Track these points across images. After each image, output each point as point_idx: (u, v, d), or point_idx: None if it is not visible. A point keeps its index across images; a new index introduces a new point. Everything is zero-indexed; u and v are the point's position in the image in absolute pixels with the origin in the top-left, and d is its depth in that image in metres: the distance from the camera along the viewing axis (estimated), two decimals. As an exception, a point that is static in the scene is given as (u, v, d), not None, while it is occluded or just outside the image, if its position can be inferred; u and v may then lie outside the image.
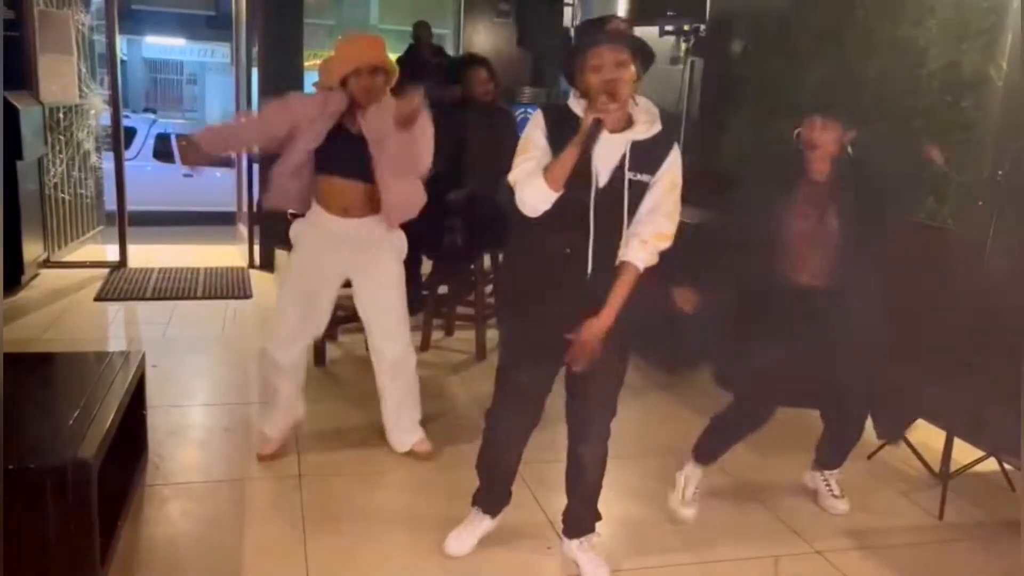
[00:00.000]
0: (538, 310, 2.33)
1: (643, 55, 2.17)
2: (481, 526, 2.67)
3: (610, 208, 2.22)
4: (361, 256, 2.99)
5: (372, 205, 2.93)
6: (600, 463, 2.52)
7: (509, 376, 2.45)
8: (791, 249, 2.74)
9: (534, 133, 2.25)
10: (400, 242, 3.06)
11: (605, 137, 2.16)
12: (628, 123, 2.23)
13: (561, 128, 2.19)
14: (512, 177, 2.24)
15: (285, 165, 2.91)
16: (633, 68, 2.14)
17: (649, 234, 2.24)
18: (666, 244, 2.27)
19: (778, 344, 2.73)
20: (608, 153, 2.20)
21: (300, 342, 3.09)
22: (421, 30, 7.07)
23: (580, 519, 2.59)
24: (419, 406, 3.29)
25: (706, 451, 2.97)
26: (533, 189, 2.17)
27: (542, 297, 2.32)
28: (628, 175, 2.21)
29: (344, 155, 2.87)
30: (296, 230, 3.04)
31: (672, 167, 2.26)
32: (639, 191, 2.24)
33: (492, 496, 2.68)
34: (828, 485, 3.07)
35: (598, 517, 2.61)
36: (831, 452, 3.06)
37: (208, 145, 2.87)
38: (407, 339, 3.13)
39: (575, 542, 2.59)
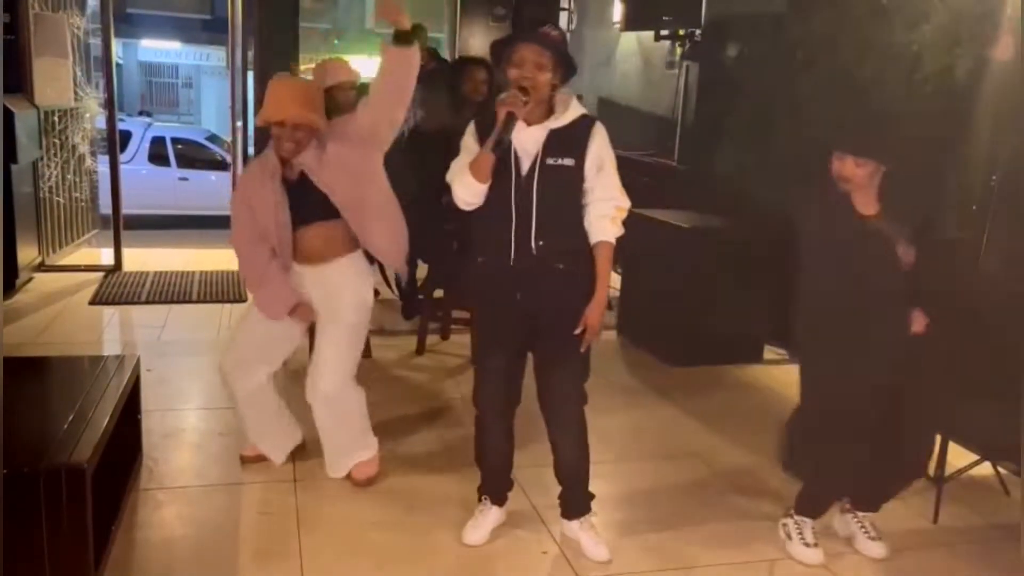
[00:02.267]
0: (487, 296, 2.57)
1: (565, 65, 2.39)
2: (491, 516, 2.75)
3: (530, 194, 2.41)
4: (322, 302, 2.91)
5: (332, 248, 2.86)
6: (581, 446, 2.63)
7: (479, 360, 2.67)
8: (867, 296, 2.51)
9: (467, 139, 2.51)
10: (364, 290, 2.95)
11: (524, 129, 2.38)
12: (548, 115, 2.43)
13: (488, 129, 2.41)
14: (447, 177, 2.49)
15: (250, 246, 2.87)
16: (550, 74, 2.35)
17: (610, 210, 2.46)
18: (625, 214, 2.48)
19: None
20: (528, 144, 2.40)
21: (255, 372, 3.00)
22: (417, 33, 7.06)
23: (575, 501, 2.71)
24: (362, 435, 3.08)
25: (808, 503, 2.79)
26: (462, 184, 2.42)
27: (489, 284, 2.55)
28: (548, 161, 2.39)
29: (302, 203, 2.80)
30: None
31: (597, 142, 2.44)
32: (563, 175, 2.41)
33: (494, 484, 2.76)
34: (864, 527, 2.82)
35: (592, 497, 2.72)
36: (879, 489, 2.83)
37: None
38: (343, 379, 2.92)
39: (575, 523, 2.71)
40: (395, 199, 2.98)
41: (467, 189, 2.42)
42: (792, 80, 4.52)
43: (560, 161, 2.40)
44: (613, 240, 2.47)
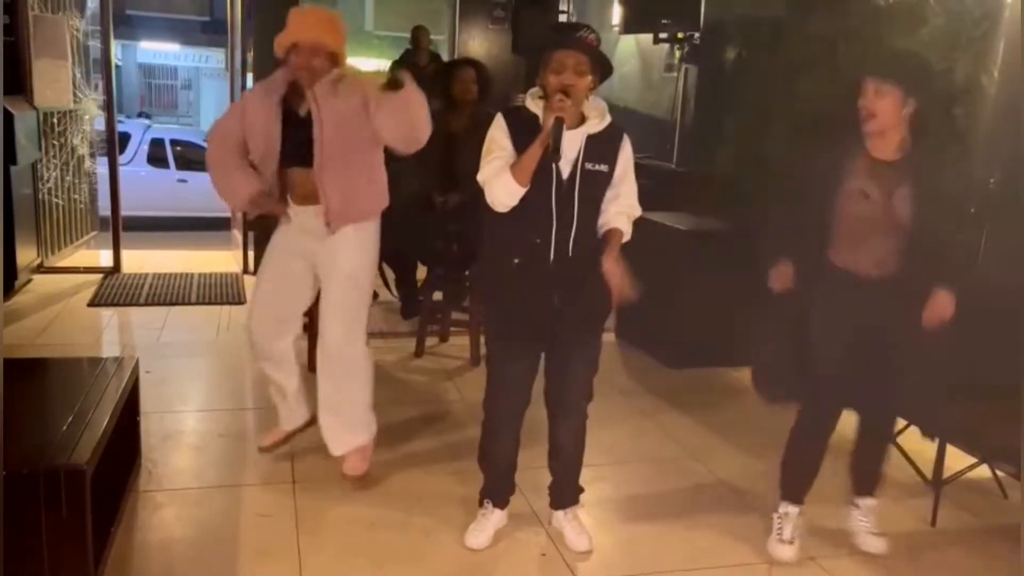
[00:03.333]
0: (514, 299, 2.52)
1: (603, 67, 2.40)
2: (493, 519, 2.76)
3: (571, 198, 2.41)
4: (321, 249, 2.88)
5: None
6: (580, 439, 2.69)
7: (498, 365, 2.62)
8: (845, 234, 2.56)
9: (497, 134, 2.45)
10: (368, 232, 2.91)
11: (564, 133, 2.33)
12: (582, 120, 2.44)
13: (521, 128, 2.40)
14: (481, 177, 2.43)
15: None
16: (591, 77, 2.36)
17: (628, 207, 2.51)
18: (637, 214, 2.55)
19: (835, 339, 2.62)
20: (567, 148, 2.37)
21: (280, 333, 3.02)
22: (419, 33, 7.08)
23: (564, 492, 2.77)
24: (365, 411, 3.04)
25: (791, 486, 2.82)
26: (502, 186, 2.37)
27: (516, 287, 2.50)
28: (587, 166, 2.41)
29: (295, 141, 2.76)
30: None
31: (626, 152, 2.50)
32: (598, 180, 2.45)
33: (497, 487, 2.77)
34: (865, 522, 2.85)
35: (581, 490, 2.79)
36: (865, 470, 2.87)
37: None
38: (351, 334, 2.90)
39: (560, 513, 2.78)
40: (382, 168, 2.96)
41: (507, 191, 2.36)
42: (791, 83, 4.53)
43: (597, 166, 2.43)
44: (627, 233, 2.51)
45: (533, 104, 2.43)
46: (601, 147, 2.43)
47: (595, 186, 2.45)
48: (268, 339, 3.03)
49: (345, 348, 2.92)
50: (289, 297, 3.01)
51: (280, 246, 2.99)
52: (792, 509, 2.78)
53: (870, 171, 2.51)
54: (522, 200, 2.37)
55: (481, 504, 2.77)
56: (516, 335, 2.55)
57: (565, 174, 2.40)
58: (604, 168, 2.44)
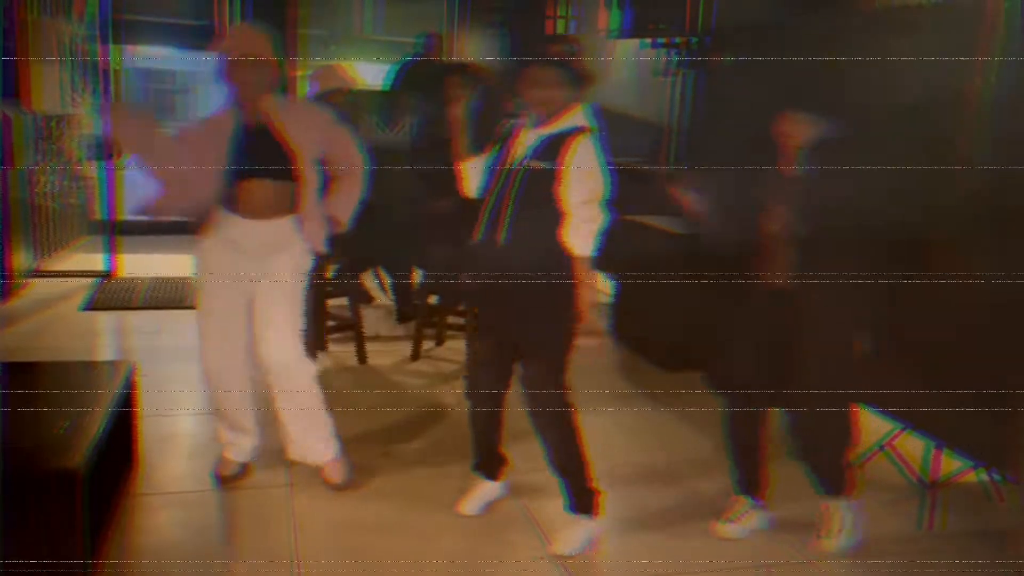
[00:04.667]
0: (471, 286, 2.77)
1: (578, 79, 2.57)
2: (485, 490, 2.92)
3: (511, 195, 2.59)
4: (258, 261, 2.85)
5: (276, 206, 2.82)
6: (562, 440, 2.68)
7: (471, 344, 2.87)
8: (762, 249, 2.71)
9: None
10: (302, 253, 2.92)
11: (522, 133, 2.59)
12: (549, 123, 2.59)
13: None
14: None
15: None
16: (561, 90, 2.53)
17: (579, 219, 2.54)
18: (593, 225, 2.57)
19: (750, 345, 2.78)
20: (518, 147, 2.60)
21: (231, 357, 2.95)
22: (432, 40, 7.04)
23: (571, 496, 2.75)
24: (324, 425, 3.03)
25: (742, 481, 2.92)
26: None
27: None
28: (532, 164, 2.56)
29: (243, 151, 2.77)
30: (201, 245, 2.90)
31: (577, 150, 2.52)
32: (543, 177, 2.54)
33: (484, 459, 2.92)
34: (826, 521, 2.85)
35: (589, 502, 2.74)
36: (825, 468, 2.86)
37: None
38: (293, 344, 2.88)
39: (572, 515, 2.76)
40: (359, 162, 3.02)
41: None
42: (787, 87, 4.53)
43: (543, 164, 2.56)
44: (581, 248, 2.59)
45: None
46: (553, 146, 2.53)
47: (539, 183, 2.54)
48: (225, 370, 2.95)
49: (294, 364, 2.90)
50: (235, 324, 2.94)
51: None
52: (743, 497, 2.90)
53: (778, 190, 2.67)
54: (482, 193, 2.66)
55: (473, 471, 2.94)
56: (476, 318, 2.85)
57: (512, 170, 2.58)
58: (549, 166, 2.53)
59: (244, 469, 3.10)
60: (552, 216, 2.53)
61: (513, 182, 2.56)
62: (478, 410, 2.85)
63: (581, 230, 2.52)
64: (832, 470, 2.82)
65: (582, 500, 2.73)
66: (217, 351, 2.92)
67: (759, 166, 2.75)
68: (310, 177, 2.84)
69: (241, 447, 3.09)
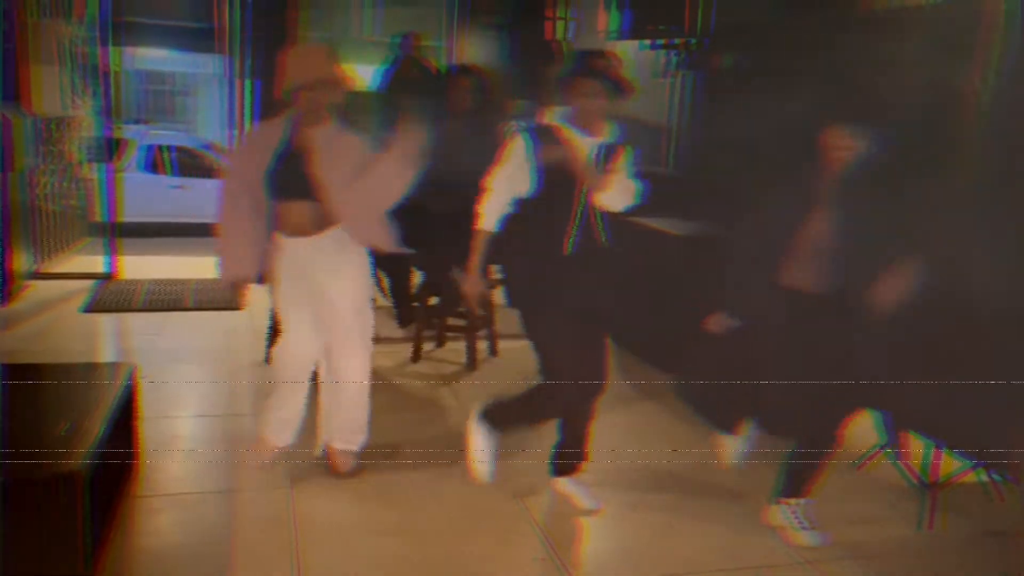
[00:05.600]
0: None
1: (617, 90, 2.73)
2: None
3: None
4: (320, 276, 2.95)
5: (320, 221, 2.87)
6: (543, 402, 2.83)
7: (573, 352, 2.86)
8: (795, 253, 2.79)
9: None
10: (361, 260, 3.00)
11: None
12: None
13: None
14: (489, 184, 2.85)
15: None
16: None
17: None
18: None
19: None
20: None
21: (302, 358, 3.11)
22: (409, 40, 7.05)
23: (566, 458, 2.99)
24: (363, 415, 3.17)
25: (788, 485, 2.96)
26: None
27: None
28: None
29: (285, 172, 2.85)
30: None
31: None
32: None
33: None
34: (796, 518, 2.89)
35: (584, 457, 3.00)
36: (797, 477, 2.90)
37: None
38: (367, 356, 3.10)
39: (565, 479, 3.01)
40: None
41: None
42: (788, 89, 4.54)
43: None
44: None
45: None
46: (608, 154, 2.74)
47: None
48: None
49: (365, 374, 3.09)
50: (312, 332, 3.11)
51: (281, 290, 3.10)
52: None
53: (820, 195, 2.77)
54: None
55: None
56: None
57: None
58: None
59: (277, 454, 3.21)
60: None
61: (581, 188, 2.70)
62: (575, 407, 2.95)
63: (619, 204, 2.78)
64: (807, 477, 2.87)
65: (570, 465, 2.99)
66: (289, 353, 3.08)
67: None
68: (342, 198, 2.82)
69: (285, 430, 3.19)
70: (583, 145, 2.71)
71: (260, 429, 3.23)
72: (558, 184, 2.70)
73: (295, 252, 2.93)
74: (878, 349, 2.82)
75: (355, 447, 3.17)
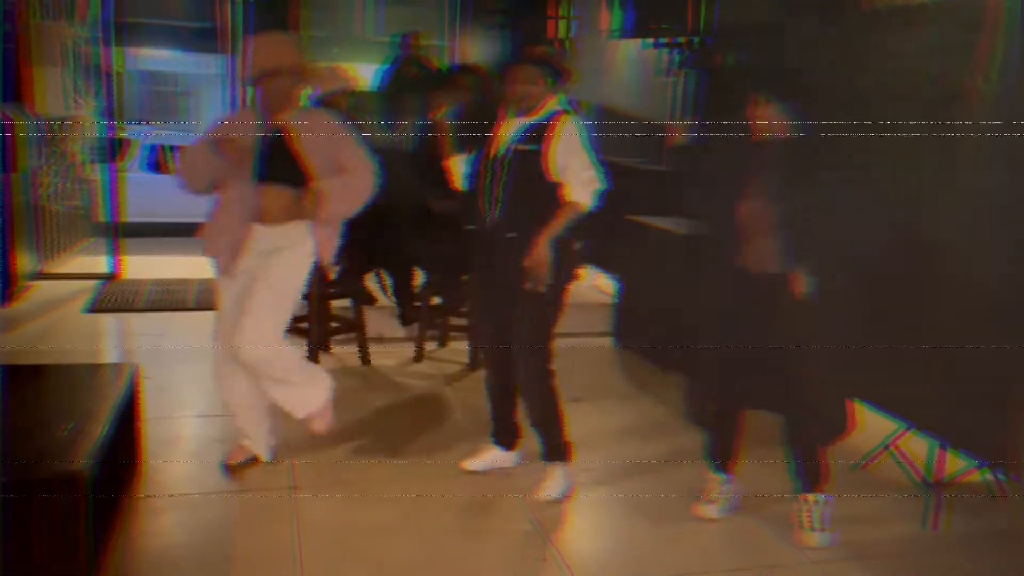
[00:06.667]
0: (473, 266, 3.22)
1: (555, 73, 2.87)
2: (495, 455, 3.20)
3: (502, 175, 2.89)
4: (258, 262, 2.91)
5: (286, 212, 2.88)
6: (543, 398, 2.96)
7: (478, 320, 3.30)
8: (739, 232, 2.75)
9: None
10: (304, 256, 2.96)
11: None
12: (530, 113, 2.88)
13: None
14: None
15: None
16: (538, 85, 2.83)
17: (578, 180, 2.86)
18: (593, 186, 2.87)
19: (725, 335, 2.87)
20: (504, 133, 2.91)
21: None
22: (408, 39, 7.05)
23: (546, 447, 3.03)
24: (310, 378, 3.06)
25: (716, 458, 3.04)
26: None
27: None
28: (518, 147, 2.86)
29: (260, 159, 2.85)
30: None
31: (563, 133, 2.82)
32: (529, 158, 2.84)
33: (499, 428, 3.20)
34: (802, 518, 2.85)
35: (564, 452, 3.03)
36: (795, 468, 2.87)
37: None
38: (264, 342, 2.87)
39: (548, 463, 3.04)
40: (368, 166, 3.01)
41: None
42: (789, 88, 4.53)
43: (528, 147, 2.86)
44: (582, 201, 2.85)
45: None
46: (538, 132, 2.82)
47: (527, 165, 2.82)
48: (229, 374, 3.06)
49: (265, 359, 2.89)
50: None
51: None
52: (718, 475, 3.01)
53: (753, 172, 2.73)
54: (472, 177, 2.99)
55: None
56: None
57: (500, 154, 2.87)
58: (535, 147, 2.81)
59: (254, 459, 3.17)
60: (542, 193, 2.82)
61: (502, 167, 2.85)
62: (489, 384, 3.13)
63: (581, 190, 2.82)
64: (811, 462, 2.85)
65: (556, 450, 3.01)
66: (223, 351, 2.98)
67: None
68: (323, 186, 2.85)
69: (258, 444, 3.16)
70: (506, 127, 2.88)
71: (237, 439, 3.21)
72: (482, 162, 2.94)
73: (256, 240, 2.91)
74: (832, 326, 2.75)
75: (318, 406, 3.06)
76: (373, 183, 2.97)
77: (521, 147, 2.84)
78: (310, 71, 2.88)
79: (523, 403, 3.04)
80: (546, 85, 2.84)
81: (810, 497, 2.87)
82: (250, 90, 2.89)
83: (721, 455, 3.00)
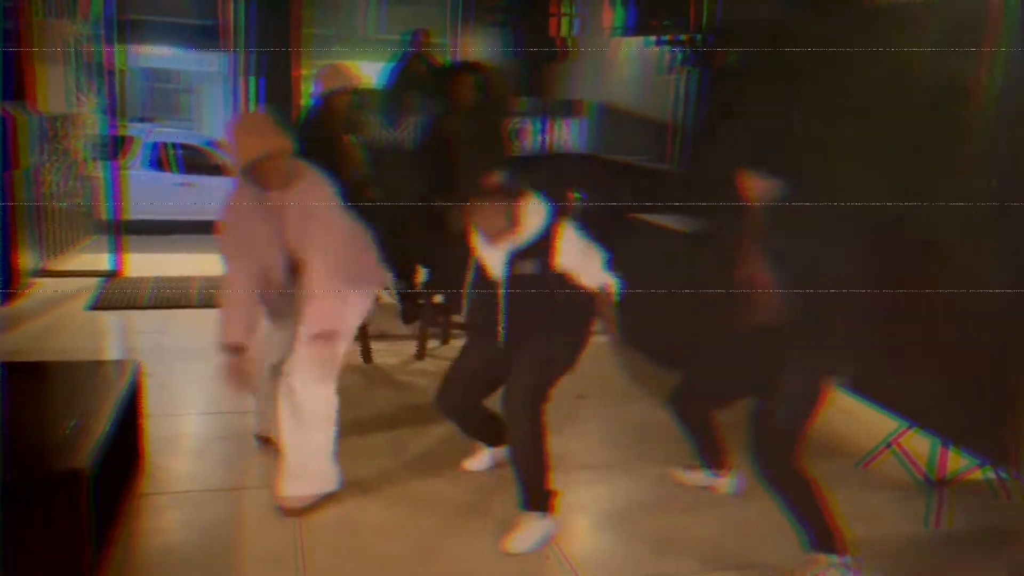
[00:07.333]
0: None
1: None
2: (494, 451, 3.19)
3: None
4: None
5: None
6: (526, 441, 2.74)
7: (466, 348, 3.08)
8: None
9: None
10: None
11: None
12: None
13: None
14: None
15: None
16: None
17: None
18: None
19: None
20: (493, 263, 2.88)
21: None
22: (419, 37, 7.06)
23: (525, 494, 2.78)
24: (325, 460, 2.94)
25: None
26: None
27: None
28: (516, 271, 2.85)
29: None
30: None
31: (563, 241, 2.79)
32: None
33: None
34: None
35: (545, 502, 2.78)
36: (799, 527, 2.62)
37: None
38: (314, 377, 2.85)
39: (526, 512, 2.79)
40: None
41: None
42: (792, 87, 4.52)
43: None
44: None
45: None
46: (530, 253, 2.74)
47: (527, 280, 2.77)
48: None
49: (308, 394, 2.84)
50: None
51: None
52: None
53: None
54: None
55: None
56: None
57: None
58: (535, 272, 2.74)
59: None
60: (546, 298, 2.76)
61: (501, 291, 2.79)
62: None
63: (593, 273, 2.80)
64: (811, 522, 2.61)
65: (536, 499, 2.77)
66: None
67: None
68: (313, 266, 2.84)
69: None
70: None
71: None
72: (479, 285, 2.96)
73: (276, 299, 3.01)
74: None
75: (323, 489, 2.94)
76: (330, 274, 2.86)
77: (519, 273, 2.76)
78: (289, 148, 2.80)
79: (508, 441, 2.83)
80: (506, 211, 2.71)
81: (821, 559, 2.55)
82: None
83: (707, 456, 3.11)
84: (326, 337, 2.81)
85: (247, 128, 2.83)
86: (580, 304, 2.82)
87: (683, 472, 3.21)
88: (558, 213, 2.80)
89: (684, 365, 3.29)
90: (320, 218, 2.85)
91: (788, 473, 2.53)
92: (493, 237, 2.75)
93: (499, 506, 2.95)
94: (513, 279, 2.78)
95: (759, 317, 2.65)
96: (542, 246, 2.75)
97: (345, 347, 2.97)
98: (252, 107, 6.30)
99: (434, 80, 5.39)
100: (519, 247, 2.75)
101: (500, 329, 2.83)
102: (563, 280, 2.78)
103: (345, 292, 2.90)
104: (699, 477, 3.18)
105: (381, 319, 5.00)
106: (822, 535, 2.54)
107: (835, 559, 2.53)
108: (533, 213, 2.76)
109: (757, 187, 2.69)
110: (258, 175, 2.77)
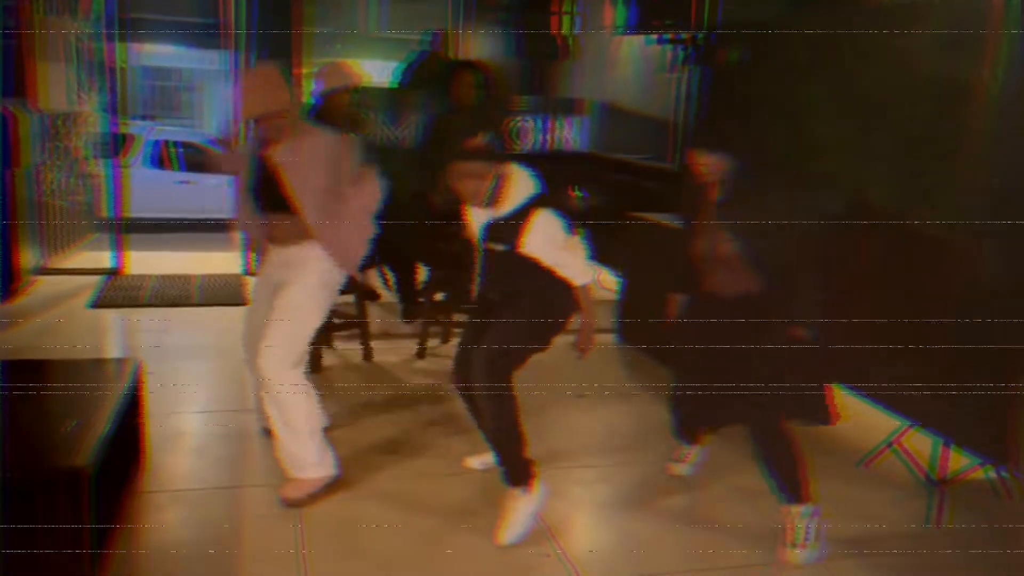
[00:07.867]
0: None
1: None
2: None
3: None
4: (281, 282, 2.98)
5: (297, 235, 2.93)
6: (499, 409, 2.72)
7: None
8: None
9: None
10: (324, 273, 2.96)
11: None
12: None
13: None
14: None
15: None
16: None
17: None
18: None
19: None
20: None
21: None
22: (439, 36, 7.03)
23: (504, 466, 2.79)
24: (312, 444, 2.92)
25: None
26: None
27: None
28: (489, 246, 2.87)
29: (263, 187, 2.95)
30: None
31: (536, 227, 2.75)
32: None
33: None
34: (786, 532, 2.73)
35: (525, 474, 2.76)
36: (777, 478, 2.76)
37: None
38: (281, 359, 2.84)
39: (512, 490, 2.78)
40: (365, 206, 3.04)
41: None
42: (794, 86, 4.52)
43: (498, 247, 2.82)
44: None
45: None
46: (508, 230, 2.72)
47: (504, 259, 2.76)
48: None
49: (279, 377, 2.84)
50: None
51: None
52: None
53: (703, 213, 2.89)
54: None
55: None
56: None
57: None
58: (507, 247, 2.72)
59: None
60: (522, 271, 2.75)
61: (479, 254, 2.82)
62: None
63: (572, 268, 2.74)
64: (787, 478, 2.73)
65: (515, 472, 2.76)
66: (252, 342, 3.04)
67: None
68: (317, 213, 2.88)
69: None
70: None
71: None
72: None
73: (273, 258, 3.06)
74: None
75: (318, 474, 2.95)
76: (377, 196, 3.03)
77: (492, 246, 2.77)
78: (299, 104, 2.88)
79: (481, 415, 2.84)
80: (492, 174, 2.67)
81: (792, 509, 2.72)
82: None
83: (686, 433, 3.26)
84: (311, 289, 2.91)
85: (258, 81, 2.88)
86: (557, 289, 2.76)
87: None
88: (543, 196, 2.74)
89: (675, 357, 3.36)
90: (319, 171, 2.87)
91: (775, 433, 2.74)
92: (475, 203, 2.74)
93: (499, 505, 2.95)
94: (487, 250, 2.81)
95: (725, 287, 2.80)
96: (515, 223, 2.71)
97: (314, 324, 2.95)
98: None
99: (440, 78, 5.38)
100: (498, 217, 2.73)
101: (476, 294, 2.89)
102: (532, 264, 2.72)
103: (345, 239, 2.97)
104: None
105: (381, 317, 5.01)
106: (795, 488, 2.73)
107: (807, 508, 2.73)
108: (518, 184, 2.73)
109: (706, 163, 2.81)
110: (262, 127, 2.84)
